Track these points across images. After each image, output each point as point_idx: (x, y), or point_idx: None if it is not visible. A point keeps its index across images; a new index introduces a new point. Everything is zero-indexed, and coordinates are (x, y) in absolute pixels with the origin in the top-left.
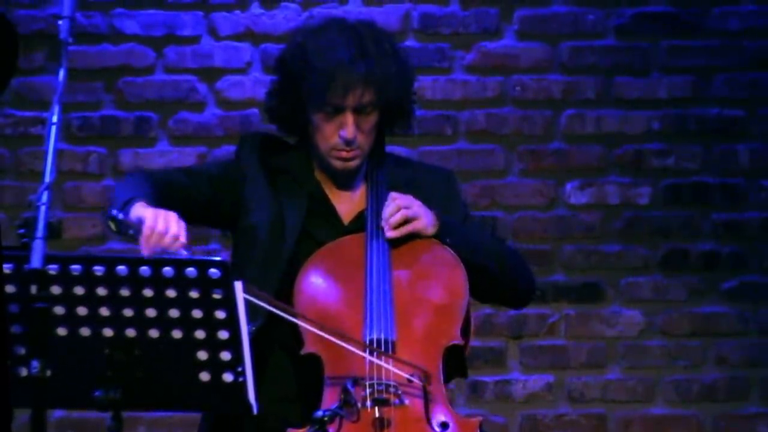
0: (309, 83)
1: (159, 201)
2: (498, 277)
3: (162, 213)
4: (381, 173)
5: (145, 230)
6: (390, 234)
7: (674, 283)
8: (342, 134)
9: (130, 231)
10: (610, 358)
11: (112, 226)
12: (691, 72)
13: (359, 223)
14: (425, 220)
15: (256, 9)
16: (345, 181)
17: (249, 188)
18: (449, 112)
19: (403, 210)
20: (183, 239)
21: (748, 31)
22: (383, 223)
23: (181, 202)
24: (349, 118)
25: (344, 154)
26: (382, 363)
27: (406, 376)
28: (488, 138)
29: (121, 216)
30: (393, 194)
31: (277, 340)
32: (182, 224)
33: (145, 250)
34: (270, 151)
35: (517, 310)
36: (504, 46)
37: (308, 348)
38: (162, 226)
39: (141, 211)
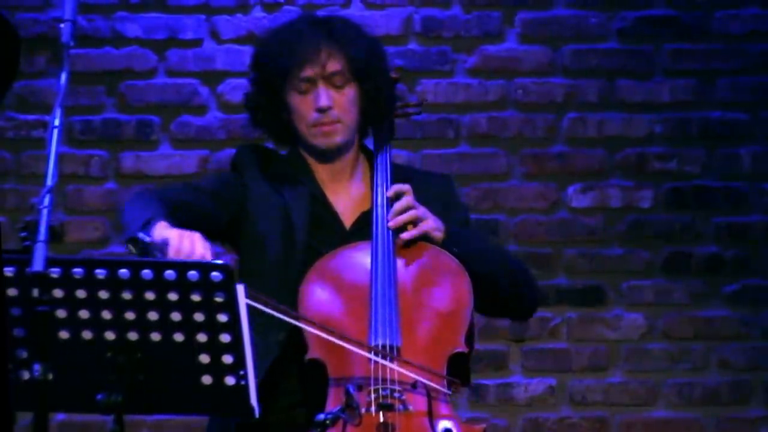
0: (277, 64)
1: (172, 220)
2: (504, 287)
3: (186, 234)
4: (385, 176)
5: (171, 252)
6: (402, 235)
7: (676, 286)
8: (316, 104)
9: (155, 252)
10: (612, 361)
11: (133, 248)
12: (693, 75)
13: (360, 225)
14: (433, 222)
15: (258, 12)
16: (340, 172)
17: (253, 198)
18: (451, 115)
19: (411, 211)
20: (210, 258)
21: (750, 35)
22: (390, 222)
23: (190, 219)
24: (321, 87)
25: (324, 128)
26: (388, 364)
27: (414, 376)
28: (490, 141)
29: (148, 239)
30: (398, 187)
31: (280, 345)
32: (207, 245)
33: None
34: (268, 159)
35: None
36: (506, 49)
37: (312, 353)
38: (188, 248)
39: (165, 232)
